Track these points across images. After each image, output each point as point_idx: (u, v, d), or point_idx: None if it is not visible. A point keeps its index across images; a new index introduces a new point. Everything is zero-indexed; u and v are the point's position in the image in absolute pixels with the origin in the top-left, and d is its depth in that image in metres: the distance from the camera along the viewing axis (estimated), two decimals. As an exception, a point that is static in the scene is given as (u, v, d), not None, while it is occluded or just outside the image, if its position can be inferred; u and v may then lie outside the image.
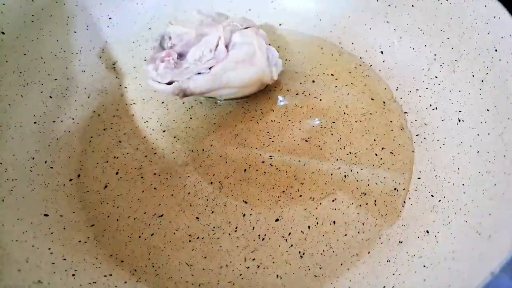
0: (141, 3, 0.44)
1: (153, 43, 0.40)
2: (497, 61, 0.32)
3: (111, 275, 0.31)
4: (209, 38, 0.38)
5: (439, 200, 0.32)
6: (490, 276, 0.21)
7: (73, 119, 0.39)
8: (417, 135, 0.37)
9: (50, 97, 0.38)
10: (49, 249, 0.31)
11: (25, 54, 0.37)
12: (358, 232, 0.33)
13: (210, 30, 0.39)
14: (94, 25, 0.42)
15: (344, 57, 0.43)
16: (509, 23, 0.31)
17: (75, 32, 0.41)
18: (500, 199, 0.27)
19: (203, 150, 0.38)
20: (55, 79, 0.39)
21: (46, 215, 0.33)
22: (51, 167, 0.36)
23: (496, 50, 0.32)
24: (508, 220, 0.25)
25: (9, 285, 0.23)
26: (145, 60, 0.40)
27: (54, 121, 0.38)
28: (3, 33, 0.35)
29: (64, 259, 0.31)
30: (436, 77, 0.38)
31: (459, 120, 0.35)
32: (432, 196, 0.33)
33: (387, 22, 0.41)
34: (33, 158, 0.35)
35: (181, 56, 0.38)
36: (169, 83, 0.37)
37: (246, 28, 0.39)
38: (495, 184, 0.29)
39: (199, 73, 0.38)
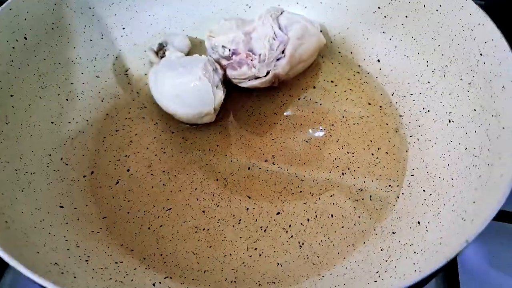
0: (153, 15, 0.47)
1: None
2: (482, 64, 0.34)
3: (121, 262, 0.33)
4: (262, 30, 0.41)
5: (430, 194, 0.34)
6: (465, 243, 0.23)
7: (87, 120, 0.41)
8: (411, 136, 0.40)
9: (67, 99, 0.41)
10: (64, 236, 0.33)
11: (44, 59, 0.40)
12: (355, 225, 0.35)
13: (252, 26, 0.42)
14: (109, 34, 0.45)
15: (344, 66, 0.46)
16: (491, 29, 0.34)
17: (91, 40, 0.43)
18: (483, 188, 0.29)
19: (209, 149, 0.40)
20: (71, 83, 0.42)
21: (61, 206, 0.35)
22: (66, 164, 0.38)
23: (481, 54, 0.35)
24: (487, 203, 0.27)
25: (30, 265, 0.25)
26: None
27: (69, 122, 0.40)
28: (25, 38, 0.38)
29: (78, 246, 0.33)
30: (428, 82, 0.40)
31: (449, 121, 0.37)
32: (424, 190, 0.35)
33: (383, 32, 0.44)
34: (50, 155, 0.38)
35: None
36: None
37: (281, 13, 0.42)
38: (480, 176, 0.31)
39: (277, 60, 0.41)
